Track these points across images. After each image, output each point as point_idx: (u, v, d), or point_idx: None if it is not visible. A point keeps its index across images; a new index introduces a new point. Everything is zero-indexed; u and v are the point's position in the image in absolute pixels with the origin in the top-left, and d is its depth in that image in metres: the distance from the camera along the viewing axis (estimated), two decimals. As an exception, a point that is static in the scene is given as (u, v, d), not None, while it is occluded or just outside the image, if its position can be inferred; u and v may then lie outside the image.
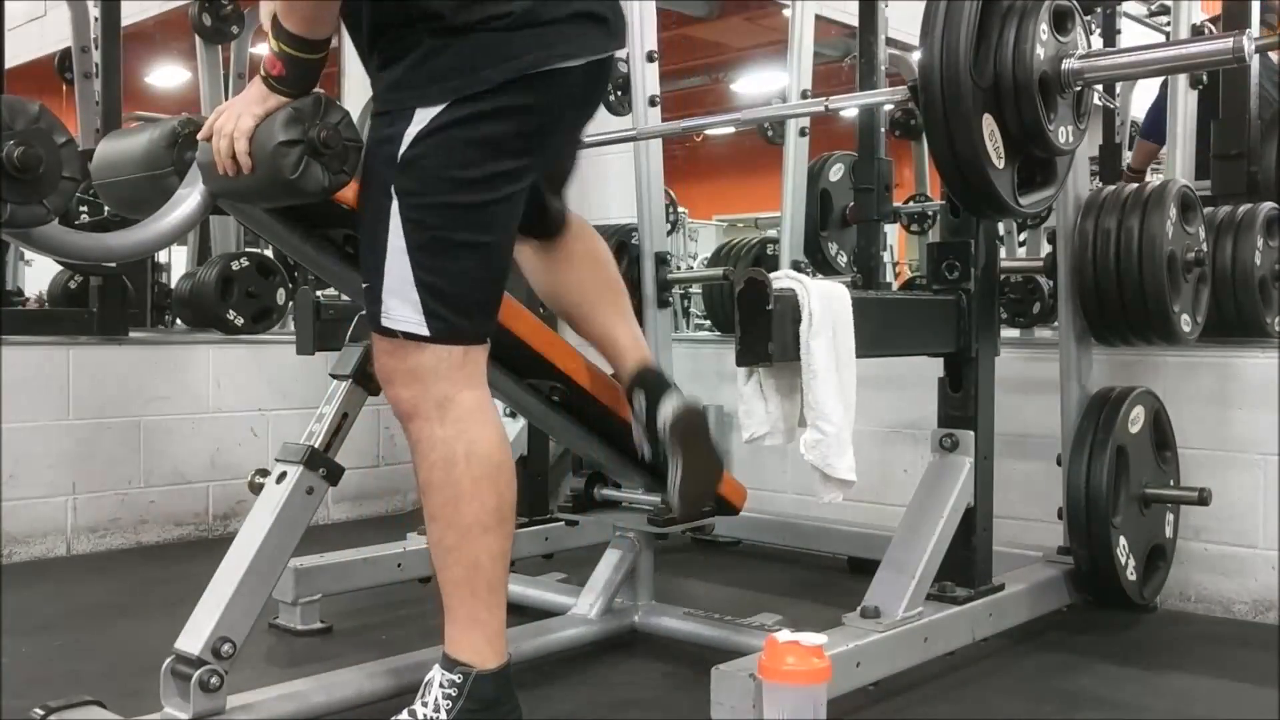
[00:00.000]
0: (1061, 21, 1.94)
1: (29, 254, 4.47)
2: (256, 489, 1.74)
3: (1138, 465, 2.38)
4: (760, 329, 1.75)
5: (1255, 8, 2.90)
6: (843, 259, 3.80)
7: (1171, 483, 2.48)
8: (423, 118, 1.49)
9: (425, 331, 1.51)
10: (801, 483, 3.05)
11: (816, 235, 3.73)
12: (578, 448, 2.14)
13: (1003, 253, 3.71)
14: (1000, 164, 1.90)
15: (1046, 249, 4.08)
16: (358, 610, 2.50)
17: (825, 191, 3.79)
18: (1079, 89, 1.98)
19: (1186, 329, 2.37)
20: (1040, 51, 1.89)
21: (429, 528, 1.57)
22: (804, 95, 3.29)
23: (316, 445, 1.71)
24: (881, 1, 3.32)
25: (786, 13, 3.48)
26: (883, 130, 3.37)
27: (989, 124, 1.88)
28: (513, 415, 2.86)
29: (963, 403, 2.15)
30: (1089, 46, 2.01)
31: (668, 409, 1.79)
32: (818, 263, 3.72)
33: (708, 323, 4.21)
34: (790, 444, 1.90)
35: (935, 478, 2.13)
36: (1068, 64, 1.94)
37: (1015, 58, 1.88)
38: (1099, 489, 2.29)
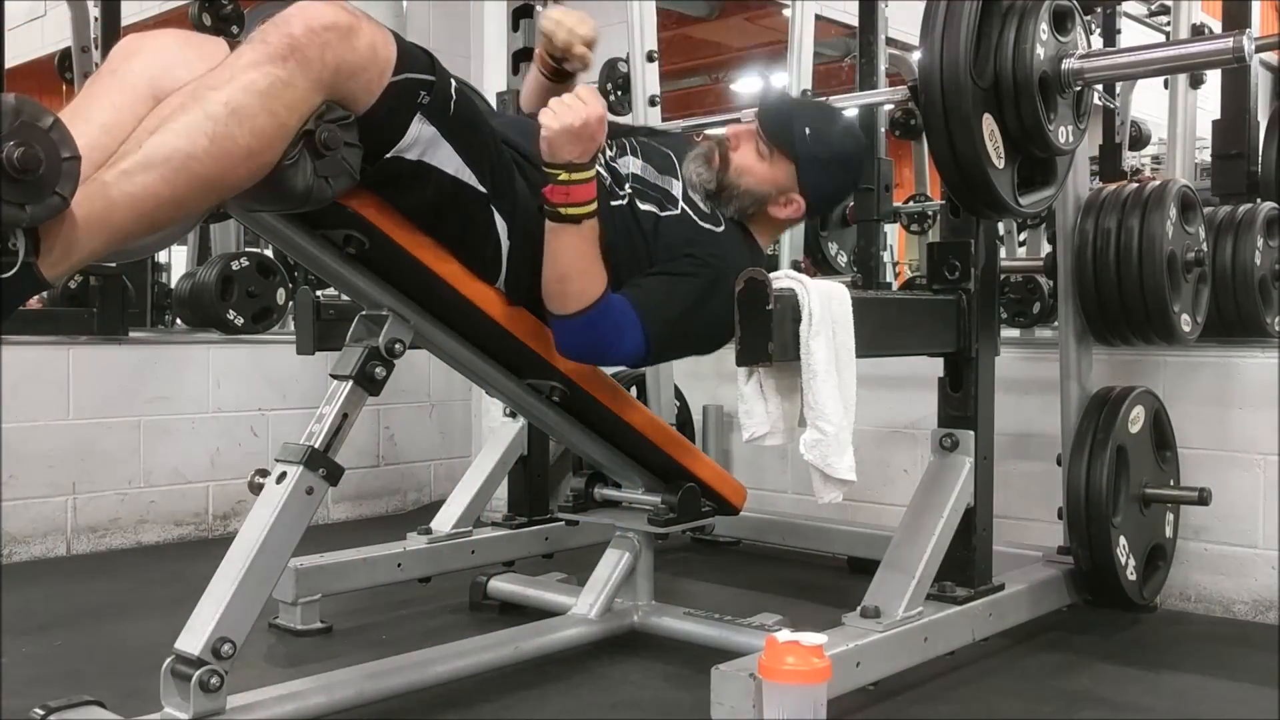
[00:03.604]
0: (1061, 21, 1.94)
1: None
2: (256, 489, 1.73)
3: (1138, 465, 2.38)
4: (760, 329, 1.75)
5: (1255, 8, 2.91)
6: (843, 259, 3.80)
7: (1171, 483, 2.48)
8: None
9: None
10: (801, 483, 3.05)
11: (816, 235, 3.74)
12: (578, 448, 2.14)
13: (1003, 253, 3.71)
14: (1000, 164, 1.90)
15: (1046, 249, 4.08)
16: (358, 610, 2.50)
17: (825, 191, 3.79)
18: (1079, 89, 1.98)
19: (1186, 329, 2.37)
20: (1040, 51, 1.89)
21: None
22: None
23: (316, 445, 1.70)
24: (881, 1, 3.32)
25: (786, 13, 3.49)
26: (883, 130, 3.38)
27: (989, 124, 1.88)
28: (513, 415, 2.86)
29: (963, 403, 2.15)
30: (1089, 46, 2.02)
31: None
32: (817, 262, 3.72)
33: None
34: (790, 444, 1.89)
35: (935, 478, 2.13)
36: (1068, 64, 1.94)
37: (1015, 58, 1.88)
38: (1099, 489, 2.29)
